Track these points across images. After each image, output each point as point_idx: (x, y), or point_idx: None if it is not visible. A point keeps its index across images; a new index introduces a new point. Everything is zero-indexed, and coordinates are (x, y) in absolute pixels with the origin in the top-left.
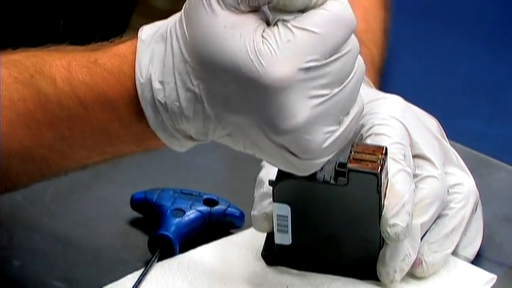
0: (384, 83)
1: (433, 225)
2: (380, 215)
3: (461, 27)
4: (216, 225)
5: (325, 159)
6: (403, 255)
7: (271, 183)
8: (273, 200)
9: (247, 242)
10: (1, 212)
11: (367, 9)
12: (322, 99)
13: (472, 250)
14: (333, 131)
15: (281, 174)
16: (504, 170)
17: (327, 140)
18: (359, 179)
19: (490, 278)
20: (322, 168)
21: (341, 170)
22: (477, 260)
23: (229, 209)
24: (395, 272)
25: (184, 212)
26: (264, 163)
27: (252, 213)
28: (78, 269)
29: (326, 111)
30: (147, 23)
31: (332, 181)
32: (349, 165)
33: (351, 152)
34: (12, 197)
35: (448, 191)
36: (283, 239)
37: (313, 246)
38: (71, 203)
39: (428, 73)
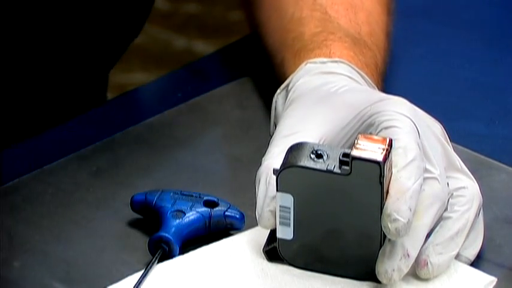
0: (386, 85)
1: (438, 228)
2: (382, 209)
3: (462, 29)
4: (216, 227)
5: None
6: (402, 255)
7: (275, 171)
8: (276, 190)
9: (247, 243)
10: (1, 213)
11: (370, 13)
12: None
13: (473, 251)
14: None
15: (286, 163)
16: (505, 172)
17: None
18: (362, 168)
19: (490, 280)
20: (327, 157)
21: (345, 159)
22: (477, 262)
23: (229, 210)
24: (393, 271)
25: (185, 214)
26: (265, 158)
27: (256, 210)
28: (78, 270)
29: None
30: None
31: (336, 170)
32: (353, 153)
33: (356, 141)
34: (12, 197)
35: (452, 194)
36: (285, 232)
37: (314, 242)
38: (71, 204)
39: (429, 75)
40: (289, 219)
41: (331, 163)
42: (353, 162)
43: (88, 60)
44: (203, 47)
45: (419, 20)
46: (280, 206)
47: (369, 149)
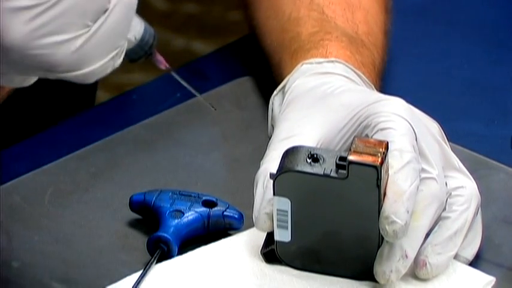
0: (384, 85)
1: (436, 228)
2: (379, 211)
3: (461, 29)
4: (215, 227)
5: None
6: (400, 256)
7: (272, 176)
8: (274, 194)
9: (246, 243)
10: (0, 213)
11: (368, 12)
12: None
13: (471, 251)
14: (80, 35)
15: (282, 167)
16: (503, 172)
17: (72, 45)
18: (359, 172)
19: (489, 280)
20: (323, 160)
21: (342, 163)
22: (476, 262)
23: (228, 210)
24: (391, 272)
25: (183, 214)
26: (263, 161)
27: (253, 212)
28: (77, 270)
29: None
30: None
31: (333, 174)
32: (350, 158)
33: (352, 145)
34: (11, 197)
35: (450, 193)
36: (283, 235)
37: (312, 244)
38: (70, 204)
39: (428, 75)
40: (287, 223)
41: (327, 167)
42: (350, 166)
43: None
44: (202, 47)
45: (418, 20)
46: (277, 210)
47: (365, 153)
